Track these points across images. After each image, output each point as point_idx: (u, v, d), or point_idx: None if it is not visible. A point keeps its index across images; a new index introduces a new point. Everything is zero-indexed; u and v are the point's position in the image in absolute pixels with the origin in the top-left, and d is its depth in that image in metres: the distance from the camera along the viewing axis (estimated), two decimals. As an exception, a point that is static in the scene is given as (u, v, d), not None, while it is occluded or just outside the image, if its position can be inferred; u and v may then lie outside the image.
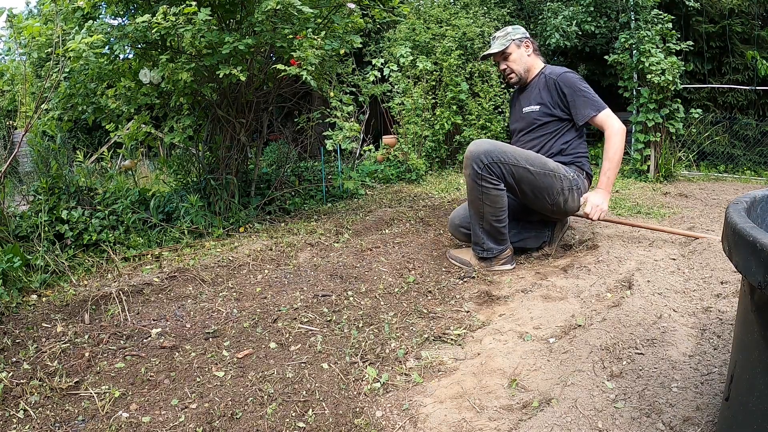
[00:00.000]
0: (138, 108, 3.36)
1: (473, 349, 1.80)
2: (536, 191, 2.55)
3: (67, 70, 2.99)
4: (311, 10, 2.85)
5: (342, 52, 3.47)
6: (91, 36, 2.71)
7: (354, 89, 4.16)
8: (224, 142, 3.58)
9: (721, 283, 2.20)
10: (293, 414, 1.45)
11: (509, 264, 2.62)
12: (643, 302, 2.04)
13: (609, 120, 2.58)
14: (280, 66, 2.90)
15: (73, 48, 2.69)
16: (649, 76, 4.88)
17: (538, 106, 2.72)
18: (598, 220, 2.58)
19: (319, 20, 3.25)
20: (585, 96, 2.62)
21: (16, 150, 2.93)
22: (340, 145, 3.51)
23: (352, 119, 3.67)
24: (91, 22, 2.87)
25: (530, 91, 2.79)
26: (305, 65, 2.84)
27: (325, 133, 3.56)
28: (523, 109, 2.78)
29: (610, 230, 3.10)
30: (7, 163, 2.82)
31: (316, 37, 2.93)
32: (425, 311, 2.10)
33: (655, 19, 5.08)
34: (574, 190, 2.62)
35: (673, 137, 5.21)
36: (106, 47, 2.99)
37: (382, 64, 5.60)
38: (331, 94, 3.41)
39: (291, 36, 2.97)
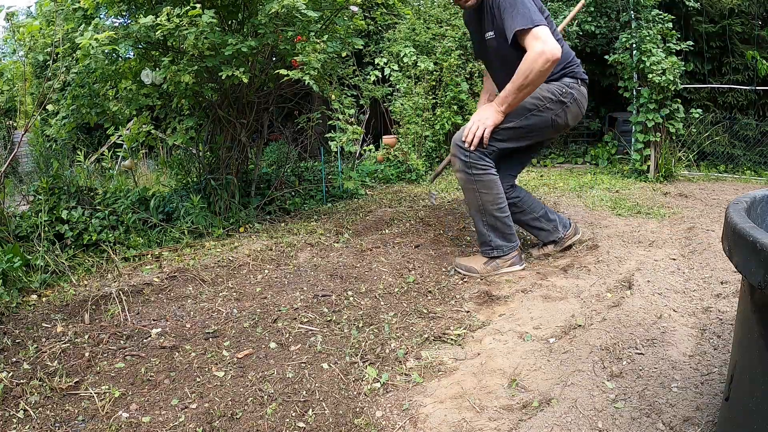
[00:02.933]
0: (139, 109, 3.36)
1: (473, 349, 1.80)
2: (533, 135, 2.48)
3: (74, 71, 2.99)
4: (315, 14, 2.85)
5: (344, 54, 3.47)
6: (100, 33, 2.70)
7: (355, 91, 4.16)
8: (225, 142, 3.59)
9: (721, 283, 2.20)
10: (293, 414, 1.45)
11: (518, 265, 2.56)
12: (643, 302, 2.04)
13: (532, 42, 2.18)
14: (282, 71, 2.90)
15: (83, 45, 2.67)
16: (650, 76, 4.87)
17: (492, 32, 2.42)
18: (472, 140, 2.37)
19: (322, 22, 3.25)
20: (517, 8, 2.23)
21: (15, 150, 2.93)
22: (342, 146, 3.51)
23: (353, 119, 3.66)
24: (96, 20, 2.87)
25: (484, 12, 2.44)
26: (308, 69, 2.84)
27: (328, 135, 3.56)
28: (485, 35, 2.47)
29: (610, 230, 3.10)
30: (7, 162, 2.83)
31: (318, 40, 2.93)
32: (425, 311, 2.10)
33: (656, 19, 5.08)
34: (561, 101, 2.43)
35: (673, 137, 5.20)
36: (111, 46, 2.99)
37: (384, 63, 5.60)
38: (333, 96, 3.41)
39: (293, 37, 2.97)
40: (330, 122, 3.66)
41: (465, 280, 2.46)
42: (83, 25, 2.89)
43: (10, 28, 2.87)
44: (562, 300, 2.17)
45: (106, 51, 2.90)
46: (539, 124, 2.47)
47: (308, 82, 2.86)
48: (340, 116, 3.42)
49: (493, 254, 2.54)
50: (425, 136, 5.67)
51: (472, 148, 2.39)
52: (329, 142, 3.50)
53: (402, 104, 5.56)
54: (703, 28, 6.01)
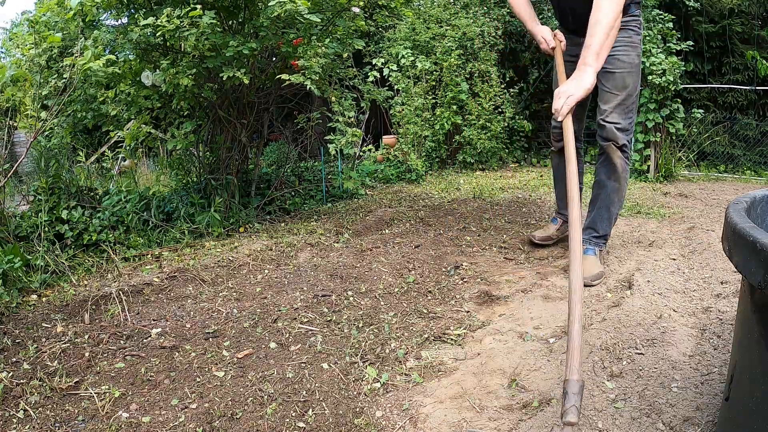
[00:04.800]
0: (139, 110, 3.36)
1: (473, 349, 1.80)
2: (638, 83, 2.37)
3: (66, 75, 2.99)
4: (317, 18, 2.85)
5: (345, 55, 3.47)
6: (98, 58, 2.71)
7: (356, 93, 4.16)
8: (225, 142, 3.59)
9: (721, 283, 2.20)
10: (293, 414, 1.45)
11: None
12: (643, 302, 2.04)
13: None
14: (284, 75, 2.89)
15: (83, 69, 2.69)
16: (650, 77, 4.87)
17: None
18: (562, 115, 1.92)
19: (323, 24, 3.25)
20: None
21: (23, 156, 2.94)
22: (341, 148, 3.51)
23: (353, 119, 3.66)
24: (96, 32, 2.87)
25: None
26: (309, 74, 2.84)
27: (327, 137, 3.56)
28: None
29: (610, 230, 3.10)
30: (13, 169, 2.83)
31: (320, 44, 2.93)
32: (425, 311, 2.10)
33: (656, 19, 5.08)
34: (641, 46, 2.35)
35: (674, 137, 5.20)
36: (107, 50, 2.99)
37: (382, 64, 5.60)
38: (333, 98, 3.41)
39: (294, 39, 2.97)
40: (330, 124, 3.65)
41: (465, 280, 2.46)
42: (82, 38, 2.88)
43: (8, 34, 2.88)
44: (562, 300, 2.17)
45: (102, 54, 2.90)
46: (637, 76, 2.33)
47: (310, 87, 2.86)
48: (340, 118, 3.42)
49: (604, 247, 2.48)
50: (425, 136, 5.67)
51: (560, 118, 1.93)
52: (328, 145, 3.49)
53: (401, 110, 5.57)
54: (703, 28, 6.01)
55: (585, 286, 2.23)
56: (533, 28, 2.44)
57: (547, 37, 2.37)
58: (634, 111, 2.34)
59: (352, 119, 3.66)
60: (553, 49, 2.36)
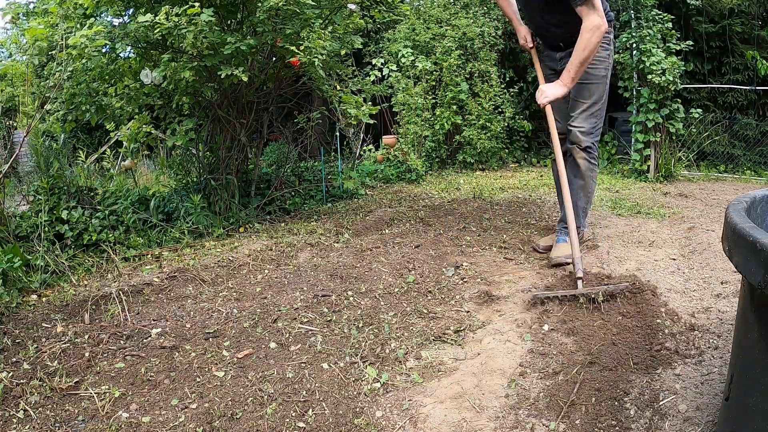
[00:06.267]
0: (139, 108, 3.36)
1: (473, 349, 1.80)
2: (605, 92, 2.62)
3: (69, 69, 2.99)
4: (313, 9, 2.84)
5: (343, 52, 3.47)
6: (92, 29, 2.70)
7: (355, 92, 4.15)
8: (225, 142, 3.59)
9: (721, 283, 2.20)
10: (293, 414, 1.45)
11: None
12: (643, 302, 2.03)
13: (590, 13, 2.30)
14: (291, 47, 2.88)
15: (74, 42, 2.67)
16: (649, 76, 4.87)
17: None
18: (541, 105, 2.53)
19: (320, 20, 3.26)
20: None
21: (17, 151, 2.93)
22: (338, 144, 3.50)
23: (364, 107, 3.64)
24: (92, 19, 2.87)
25: None
26: (315, 54, 2.86)
27: (342, 107, 3.53)
28: None
29: (610, 230, 3.10)
30: (8, 164, 2.83)
31: (322, 31, 2.94)
32: (425, 311, 2.10)
33: (656, 19, 5.08)
34: (610, 52, 2.60)
35: (673, 137, 5.20)
36: (107, 47, 2.99)
37: (382, 64, 5.60)
38: (338, 87, 3.42)
39: (293, 36, 2.97)
40: (327, 124, 3.63)
41: (465, 280, 2.46)
42: (77, 25, 2.88)
43: (17, 30, 2.87)
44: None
45: (101, 49, 2.89)
46: (603, 85, 2.59)
47: (316, 65, 2.86)
48: (344, 88, 3.41)
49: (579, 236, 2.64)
50: (425, 136, 5.67)
51: (542, 106, 2.52)
52: (347, 111, 3.44)
53: (404, 97, 5.56)
54: (703, 28, 6.01)
55: (560, 265, 2.51)
56: (516, 27, 2.83)
57: (528, 38, 2.77)
58: (599, 117, 2.60)
59: (367, 105, 3.64)
60: (531, 48, 2.78)
